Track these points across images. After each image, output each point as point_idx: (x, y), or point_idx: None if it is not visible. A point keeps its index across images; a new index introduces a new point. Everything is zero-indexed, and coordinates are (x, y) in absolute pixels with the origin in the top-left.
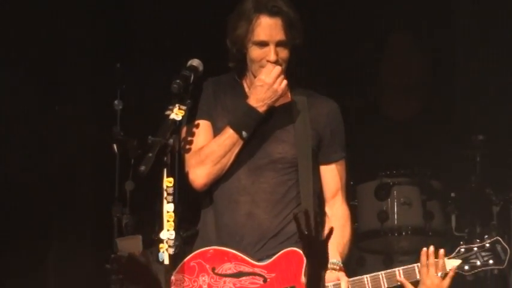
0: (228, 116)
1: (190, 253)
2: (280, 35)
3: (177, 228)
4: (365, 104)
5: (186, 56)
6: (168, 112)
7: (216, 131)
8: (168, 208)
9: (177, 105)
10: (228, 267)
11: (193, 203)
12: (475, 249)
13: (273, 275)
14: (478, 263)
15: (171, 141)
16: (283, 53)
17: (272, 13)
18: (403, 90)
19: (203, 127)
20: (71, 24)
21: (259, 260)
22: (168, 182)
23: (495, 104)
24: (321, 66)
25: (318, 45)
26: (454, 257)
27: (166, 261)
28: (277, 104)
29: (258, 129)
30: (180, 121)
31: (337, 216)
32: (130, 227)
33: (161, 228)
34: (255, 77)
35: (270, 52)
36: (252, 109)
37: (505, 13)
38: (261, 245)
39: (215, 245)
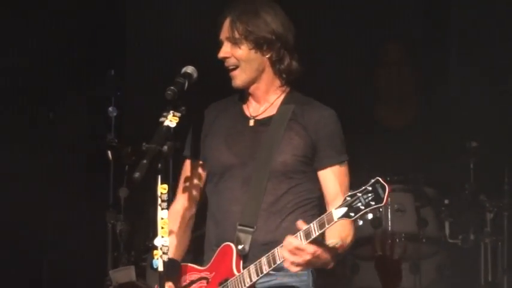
0: (221, 133)
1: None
2: (226, 32)
3: None
4: (359, 112)
5: (181, 64)
6: (162, 119)
7: (208, 150)
8: (162, 215)
9: (171, 112)
10: (184, 280)
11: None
12: (359, 194)
13: (213, 273)
14: (361, 206)
15: (165, 148)
16: (234, 50)
17: (225, 14)
18: (396, 99)
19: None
20: (65, 30)
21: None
22: (162, 189)
23: (488, 111)
24: (316, 75)
25: (314, 54)
26: (340, 207)
27: (161, 268)
28: (263, 116)
29: (246, 141)
30: (174, 128)
31: None
32: (124, 234)
33: (155, 234)
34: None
35: None
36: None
37: (498, 20)
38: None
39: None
